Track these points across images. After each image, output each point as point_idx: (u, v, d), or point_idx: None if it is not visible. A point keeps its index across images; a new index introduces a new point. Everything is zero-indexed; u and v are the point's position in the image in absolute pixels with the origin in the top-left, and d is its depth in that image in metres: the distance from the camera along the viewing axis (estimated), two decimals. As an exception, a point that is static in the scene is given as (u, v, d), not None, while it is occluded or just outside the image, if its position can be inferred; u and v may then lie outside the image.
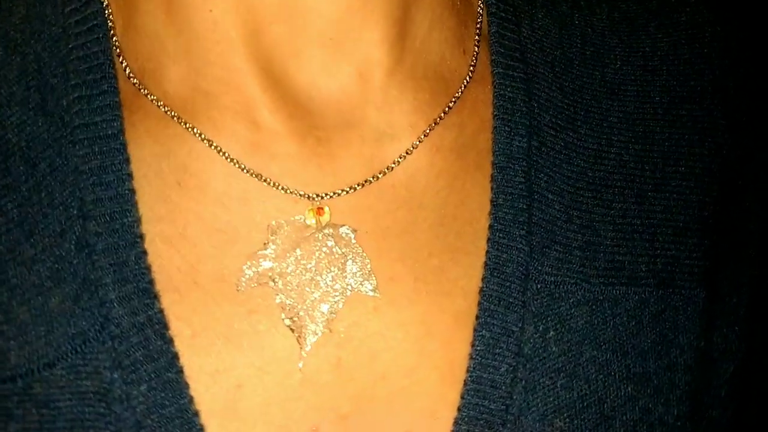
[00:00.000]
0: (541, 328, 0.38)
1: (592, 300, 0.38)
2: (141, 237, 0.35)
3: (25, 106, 0.36)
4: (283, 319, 0.35)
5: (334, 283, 0.36)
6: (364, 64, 0.37)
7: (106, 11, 0.37)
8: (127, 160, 0.35)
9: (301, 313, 0.36)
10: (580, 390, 0.38)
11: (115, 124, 0.36)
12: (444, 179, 0.39)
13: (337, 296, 0.36)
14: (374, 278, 0.36)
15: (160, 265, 0.35)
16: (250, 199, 0.36)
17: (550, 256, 0.38)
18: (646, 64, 0.42)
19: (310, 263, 0.37)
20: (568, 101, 0.41)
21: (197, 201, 0.36)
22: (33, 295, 0.34)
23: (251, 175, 0.36)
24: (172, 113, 0.37)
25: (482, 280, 0.38)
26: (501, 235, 0.38)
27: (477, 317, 0.37)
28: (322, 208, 0.37)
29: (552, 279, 0.38)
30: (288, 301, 0.36)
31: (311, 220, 0.36)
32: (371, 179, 0.37)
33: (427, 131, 0.39)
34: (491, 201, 0.39)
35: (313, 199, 0.37)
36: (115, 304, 0.34)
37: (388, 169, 0.38)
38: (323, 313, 0.36)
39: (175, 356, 0.34)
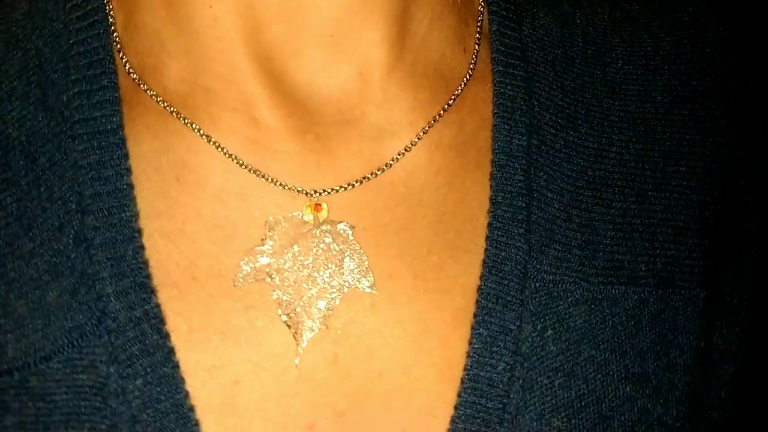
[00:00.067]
0: (539, 327, 0.37)
1: (591, 299, 0.38)
2: (139, 232, 0.35)
3: (26, 101, 0.36)
4: (279, 315, 0.35)
5: (331, 279, 0.36)
6: (364, 62, 0.37)
7: (107, 7, 0.38)
8: (126, 156, 0.36)
9: (298, 310, 0.36)
10: (578, 389, 0.37)
11: (115, 119, 0.36)
12: (443, 177, 0.39)
13: (334, 293, 0.36)
14: (371, 275, 0.36)
15: (158, 260, 0.35)
16: (248, 195, 0.36)
17: (548, 254, 0.38)
18: (648, 64, 0.42)
19: (308, 259, 0.37)
20: (569, 100, 0.41)
21: (196, 196, 0.36)
22: (31, 288, 0.34)
23: (249, 171, 0.36)
24: (172, 109, 0.37)
25: (480, 278, 0.37)
26: (500, 233, 0.38)
27: (475, 315, 0.37)
28: (319, 205, 0.37)
29: (551, 278, 0.38)
30: (285, 298, 0.36)
31: (309, 217, 0.37)
32: (369, 176, 0.37)
33: (427, 128, 0.39)
34: (490, 199, 0.38)
35: (311, 195, 0.37)
36: (112, 299, 0.34)
37: (386, 165, 0.38)
38: (320, 309, 0.36)
39: (172, 351, 0.34)
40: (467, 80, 0.40)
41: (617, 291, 0.39)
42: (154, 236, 0.35)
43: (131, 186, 0.35)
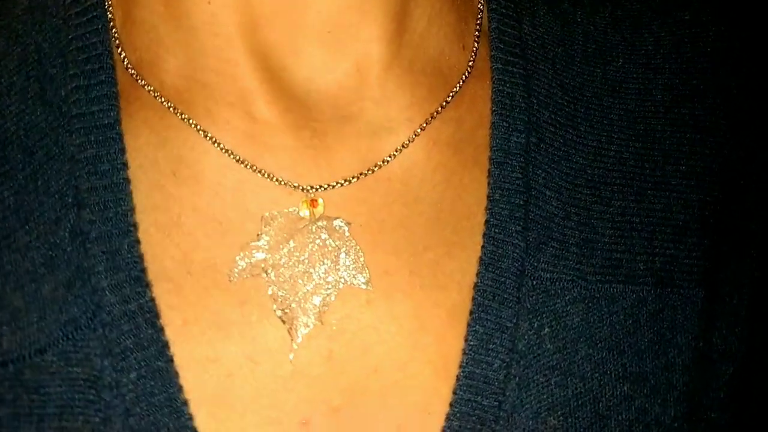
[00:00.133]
0: (535, 325, 0.37)
1: (589, 297, 0.38)
2: (134, 226, 0.35)
3: (25, 95, 0.37)
4: (274, 311, 0.35)
5: (327, 275, 0.36)
6: (362, 59, 0.37)
7: (106, 4, 0.38)
8: (123, 150, 0.36)
9: (293, 305, 0.36)
10: (575, 388, 0.37)
11: (112, 114, 0.36)
12: (441, 174, 0.39)
13: (329, 289, 0.36)
14: (367, 271, 0.36)
15: (154, 255, 0.35)
16: (244, 190, 0.36)
17: (546, 252, 0.38)
18: (649, 62, 0.42)
19: (303, 255, 0.37)
20: (569, 98, 0.41)
21: (192, 191, 0.36)
22: (26, 281, 0.34)
23: (246, 166, 0.37)
24: (169, 104, 0.37)
25: (477, 274, 0.37)
26: (497, 230, 0.38)
27: (471, 312, 0.37)
28: (315, 200, 0.37)
29: (548, 276, 0.38)
30: (280, 293, 0.36)
31: (305, 212, 0.37)
32: (366, 172, 0.38)
33: (424, 125, 0.39)
34: (488, 196, 0.38)
35: (308, 191, 0.37)
36: (107, 292, 0.34)
37: (383, 162, 0.38)
38: (315, 305, 0.36)
39: (166, 345, 0.34)
40: (466, 77, 0.40)
41: (615, 290, 0.38)
42: (150, 230, 0.36)
43: (128, 180, 0.35)
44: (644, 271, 0.39)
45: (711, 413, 0.39)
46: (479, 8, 0.42)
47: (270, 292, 0.36)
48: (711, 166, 0.40)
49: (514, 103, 0.40)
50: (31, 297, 0.34)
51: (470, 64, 0.41)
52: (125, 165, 0.36)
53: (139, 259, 0.35)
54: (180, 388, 0.34)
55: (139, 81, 0.37)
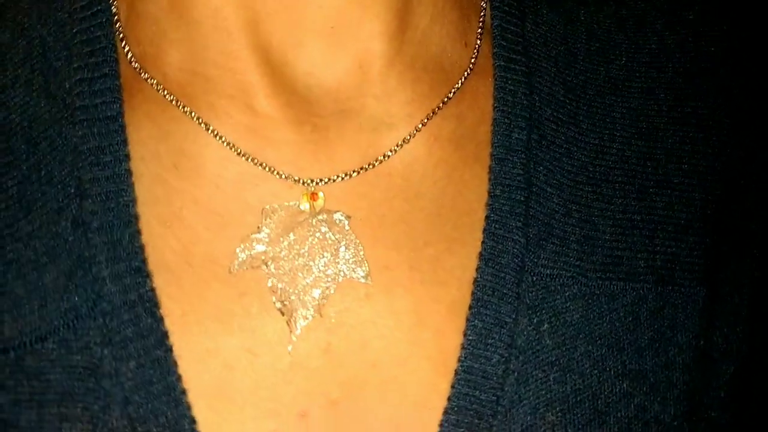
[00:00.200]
0: (535, 321, 0.37)
1: (589, 294, 0.38)
2: (135, 217, 0.35)
3: (29, 87, 0.37)
4: (274, 303, 0.36)
5: (326, 268, 0.36)
6: (364, 54, 0.38)
7: None
8: (125, 142, 0.36)
9: (293, 298, 0.36)
10: (574, 384, 0.37)
11: (115, 106, 0.36)
12: (442, 169, 0.39)
13: (328, 282, 0.36)
14: (366, 265, 0.36)
15: (155, 246, 0.36)
16: (244, 183, 0.37)
17: (546, 248, 0.38)
18: (652, 61, 0.42)
19: (303, 248, 0.37)
20: (571, 96, 0.41)
21: (193, 183, 0.36)
22: (28, 270, 0.35)
23: (247, 159, 0.37)
24: (171, 97, 0.37)
25: (477, 270, 0.37)
26: (497, 226, 0.38)
27: (470, 307, 0.37)
28: (316, 194, 0.37)
29: (548, 272, 0.38)
30: (280, 285, 0.36)
31: (305, 206, 0.37)
32: (367, 167, 0.38)
33: (425, 121, 0.39)
34: (488, 192, 0.38)
35: (308, 184, 0.37)
36: (107, 282, 0.35)
37: (384, 157, 0.38)
38: (314, 298, 0.36)
39: (165, 335, 0.34)
40: (468, 74, 0.40)
41: (615, 287, 0.38)
42: (151, 222, 0.36)
43: (129, 172, 0.36)
44: (645, 269, 0.39)
45: (711, 412, 0.39)
46: (482, 6, 0.42)
47: (270, 284, 0.36)
48: (713, 165, 0.40)
49: (515, 100, 0.40)
50: (32, 285, 0.35)
51: (472, 61, 0.41)
52: (127, 157, 0.36)
53: (140, 249, 0.35)
54: (179, 378, 0.34)
55: (142, 74, 0.38)
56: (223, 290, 0.36)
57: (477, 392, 0.36)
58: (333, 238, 0.37)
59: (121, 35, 0.38)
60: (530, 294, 0.38)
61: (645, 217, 0.39)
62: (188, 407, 0.34)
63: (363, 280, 0.36)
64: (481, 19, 0.42)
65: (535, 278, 0.38)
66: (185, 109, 0.37)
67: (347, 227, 0.37)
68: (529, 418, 0.36)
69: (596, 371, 0.37)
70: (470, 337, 0.36)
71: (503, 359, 0.37)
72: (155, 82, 0.38)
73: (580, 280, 0.38)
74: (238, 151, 0.37)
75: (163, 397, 0.34)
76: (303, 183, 0.37)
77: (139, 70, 0.38)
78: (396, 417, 0.36)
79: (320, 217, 0.37)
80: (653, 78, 0.41)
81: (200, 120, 0.37)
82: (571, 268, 0.38)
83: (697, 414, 0.39)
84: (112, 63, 0.37)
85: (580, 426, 0.37)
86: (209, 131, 0.37)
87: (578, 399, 0.37)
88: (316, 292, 0.36)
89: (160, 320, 0.34)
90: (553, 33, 0.42)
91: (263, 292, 0.36)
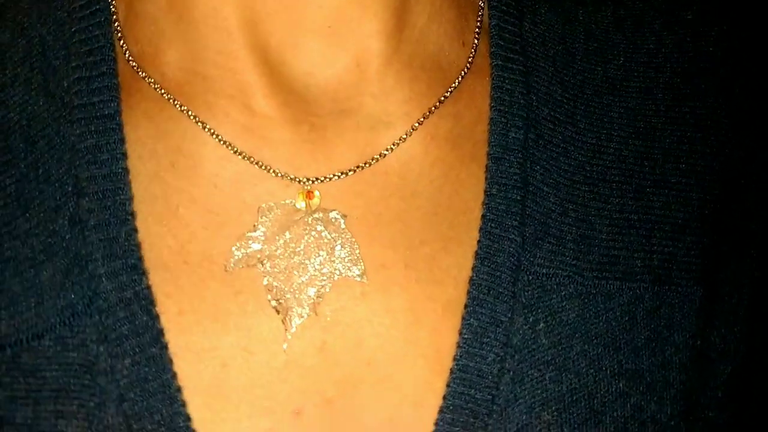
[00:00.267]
0: (531, 320, 0.37)
1: (585, 293, 0.38)
2: (132, 215, 0.36)
3: (28, 86, 0.37)
4: (269, 301, 0.36)
5: (322, 267, 0.37)
6: (362, 54, 0.38)
7: None
8: (122, 140, 0.36)
9: (288, 296, 0.36)
10: (570, 383, 0.37)
11: (113, 104, 0.37)
12: (438, 168, 0.39)
13: (324, 280, 0.36)
14: (362, 263, 0.36)
15: (151, 244, 0.36)
16: (241, 182, 0.37)
17: (542, 248, 0.38)
18: (650, 61, 0.42)
19: (299, 246, 0.37)
20: (569, 95, 0.41)
21: (190, 182, 0.37)
22: (26, 267, 0.35)
23: (244, 158, 0.37)
24: (169, 96, 0.38)
25: (472, 269, 0.37)
26: (493, 225, 0.38)
27: (466, 306, 0.37)
28: (312, 192, 0.37)
29: (544, 271, 0.38)
30: (275, 284, 0.36)
31: (301, 204, 0.37)
32: (363, 165, 0.38)
33: (422, 120, 0.39)
34: (485, 191, 0.38)
35: (304, 183, 0.37)
36: (103, 279, 0.35)
37: (380, 155, 0.38)
38: (310, 296, 0.36)
39: (160, 332, 0.35)
40: (465, 73, 0.40)
41: (612, 286, 0.38)
42: (148, 220, 0.36)
43: (126, 170, 0.36)
44: (642, 269, 0.39)
45: (708, 412, 0.39)
46: (480, 5, 0.42)
47: (265, 282, 0.36)
48: (711, 165, 0.40)
49: (513, 99, 0.40)
50: (29, 283, 0.35)
51: (470, 60, 0.41)
52: (124, 155, 0.36)
53: (136, 247, 0.35)
54: (174, 375, 0.34)
55: (140, 73, 0.38)
56: (220, 288, 0.36)
57: (472, 391, 0.36)
58: (329, 236, 0.37)
59: (120, 34, 0.39)
60: (526, 293, 0.38)
61: (642, 216, 0.39)
62: (183, 405, 0.34)
63: (358, 279, 0.36)
64: (479, 19, 0.42)
65: (531, 277, 0.38)
66: (183, 108, 0.37)
67: (343, 226, 0.37)
68: (524, 417, 0.36)
69: (592, 370, 0.37)
70: (466, 336, 0.36)
71: (499, 358, 0.37)
72: (153, 81, 0.38)
73: (576, 280, 0.38)
74: (236, 150, 0.37)
75: (158, 395, 0.34)
76: (299, 182, 0.37)
77: (138, 69, 0.38)
78: (391, 415, 0.36)
79: (316, 215, 0.37)
80: (651, 78, 0.41)
81: (198, 119, 0.37)
82: (567, 268, 0.38)
83: (694, 414, 0.39)
84: (110, 62, 0.37)
85: (575, 425, 0.37)
86: (207, 130, 0.37)
87: (574, 398, 0.37)
88: (312, 291, 0.36)
89: (155, 318, 0.35)
90: (551, 33, 0.42)
91: (259, 291, 0.36)
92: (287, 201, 0.37)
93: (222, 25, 0.36)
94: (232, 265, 0.36)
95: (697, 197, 0.40)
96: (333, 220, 0.37)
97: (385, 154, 0.38)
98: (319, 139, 0.38)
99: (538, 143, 0.39)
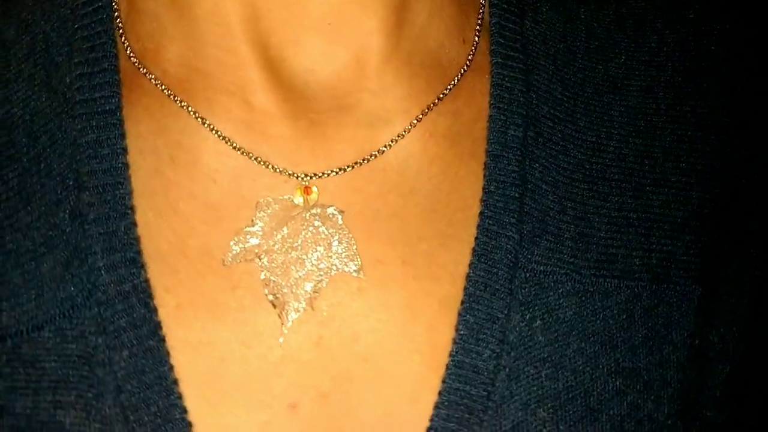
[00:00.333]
0: (527, 317, 0.37)
1: (582, 291, 0.38)
2: (132, 209, 0.36)
3: (32, 82, 0.38)
4: (266, 295, 0.36)
5: (319, 262, 0.37)
6: (361, 50, 0.38)
7: None
8: (123, 135, 0.37)
9: (285, 290, 0.36)
10: (566, 381, 0.37)
11: (114, 100, 0.37)
12: (437, 165, 0.39)
13: (321, 275, 0.37)
14: (359, 259, 0.37)
15: (150, 238, 0.36)
16: (240, 177, 0.37)
17: (540, 245, 0.38)
18: (652, 60, 0.42)
19: (297, 242, 0.37)
20: (569, 93, 0.41)
21: (189, 177, 0.37)
22: (27, 260, 0.36)
23: (242, 153, 0.37)
24: (169, 92, 0.38)
25: (469, 265, 0.38)
26: (491, 222, 0.38)
27: (462, 302, 0.37)
28: (309, 188, 0.37)
29: (541, 268, 0.38)
30: (273, 278, 0.36)
31: (299, 200, 0.37)
32: (361, 161, 0.38)
33: (420, 116, 0.39)
34: (483, 188, 0.39)
35: (303, 179, 0.37)
36: (102, 272, 0.35)
37: (379, 152, 0.38)
38: (306, 291, 0.36)
39: (158, 325, 0.35)
40: (464, 71, 0.41)
41: (610, 284, 0.38)
42: (148, 214, 0.36)
43: (127, 165, 0.37)
44: (640, 267, 0.39)
45: (706, 412, 0.39)
46: (481, 3, 0.43)
47: (263, 277, 0.36)
48: (712, 164, 0.40)
49: (512, 97, 0.40)
50: (30, 275, 0.35)
51: (470, 57, 0.41)
52: (125, 150, 0.37)
53: (135, 241, 0.36)
54: (171, 368, 0.35)
55: (141, 69, 0.38)
56: (217, 282, 0.36)
57: (468, 387, 0.36)
58: (326, 232, 0.37)
59: (122, 31, 0.39)
60: (523, 290, 0.38)
61: (641, 214, 0.39)
62: (179, 396, 0.35)
63: (355, 274, 0.37)
64: (480, 16, 0.42)
65: (528, 274, 0.38)
66: (183, 104, 0.38)
67: (340, 221, 0.37)
68: (520, 414, 0.36)
69: (589, 368, 0.37)
70: (462, 332, 0.37)
71: (494, 354, 0.37)
72: (154, 77, 0.38)
73: (573, 277, 0.38)
74: (235, 145, 0.37)
75: (155, 387, 0.35)
76: (298, 177, 0.37)
77: (139, 65, 0.39)
78: (387, 410, 0.36)
79: (314, 211, 0.37)
80: (652, 76, 0.41)
81: (198, 115, 0.38)
82: (564, 265, 0.38)
83: (691, 413, 0.39)
84: (111, 58, 0.38)
85: (571, 423, 0.37)
86: (206, 126, 0.37)
87: (570, 396, 0.37)
88: (309, 286, 0.36)
89: (153, 310, 0.35)
90: (552, 31, 0.42)
91: (256, 285, 0.36)
92: (285, 196, 0.37)
93: (223, 21, 0.37)
94: (230, 259, 0.36)
95: (696, 196, 0.40)
96: (330, 215, 0.37)
97: (384, 151, 0.38)
98: (318, 135, 0.38)
99: (538, 141, 0.40)
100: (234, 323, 0.36)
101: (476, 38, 0.42)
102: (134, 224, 0.36)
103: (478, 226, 0.38)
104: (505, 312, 0.37)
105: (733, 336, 0.39)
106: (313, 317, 0.36)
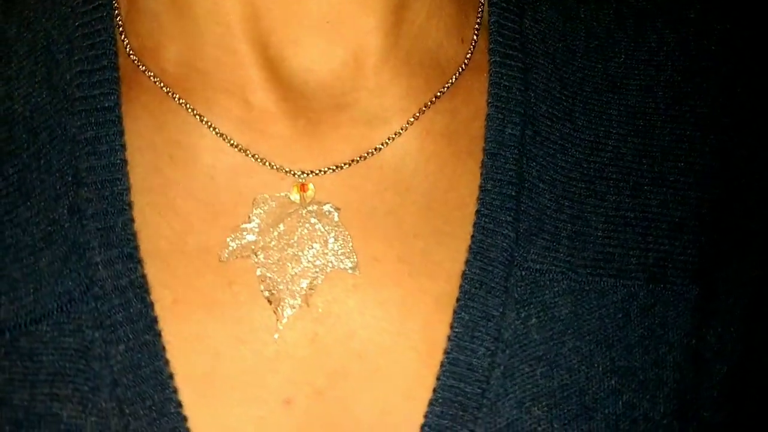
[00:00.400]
0: (523, 315, 0.37)
1: (578, 290, 0.38)
2: (129, 205, 0.36)
3: (33, 79, 0.38)
4: (262, 291, 0.36)
5: (315, 259, 0.37)
6: (359, 49, 0.38)
7: None
8: (121, 132, 0.37)
9: (281, 287, 0.36)
10: (561, 379, 0.37)
11: (113, 97, 0.38)
12: (434, 164, 0.39)
13: (317, 272, 0.37)
14: (355, 256, 0.37)
15: (148, 234, 0.37)
16: (237, 174, 0.38)
17: (536, 244, 0.38)
18: (651, 59, 0.42)
19: (293, 239, 0.37)
20: (568, 93, 0.41)
21: (187, 174, 0.37)
22: (25, 254, 0.36)
23: (240, 150, 0.38)
24: (168, 90, 0.38)
25: (465, 263, 0.38)
26: (487, 220, 0.38)
27: (457, 299, 0.37)
28: (306, 185, 0.37)
29: (537, 267, 0.38)
30: (269, 275, 0.37)
31: (296, 197, 0.37)
32: (358, 159, 0.38)
33: (418, 115, 0.39)
34: (480, 186, 0.39)
35: (300, 176, 0.38)
36: (100, 267, 0.36)
37: (376, 150, 0.38)
38: (302, 288, 0.36)
39: (154, 320, 0.35)
40: (463, 69, 0.41)
41: (606, 283, 0.38)
42: (145, 210, 0.37)
43: (125, 161, 0.37)
44: (636, 266, 0.39)
45: (703, 412, 0.39)
46: (480, 2, 0.43)
47: (258, 273, 0.37)
48: (711, 164, 0.40)
49: (510, 95, 0.40)
50: (29, 269, 0.36)
51: (468, 56, 0.41)
52: (123, 147, 0.37)
53: (133, 236, 0.36)
54: (166, 362, 0.35)
55: (141, 67, 0.39)
56: (214, 278, 0.36)
57: (462, 384, 0.36)
58: (322, 229, 0.37)
59: (122, 29, 0.39)
60: (519, 288, 0.38)
61: (638, 214, 0.39)
62: (174, 391, 0.35)
63: (351, 271, 0.37)
64: (479, 15, 0.42)
65: (524, 273, 0.38)
66: (182, 101, 0.38)
67: (336, 219, 0.37)
68: (514, 411, 0.37)
69: (584, 367, 0.37)
70: (457, 330, 0.37)
71: (489, 352, 0.37)
72: (153, 74, 0.39)
73: (569, 276, 0.38)
74: (233, 143, 0.38)
75: (151, 381, 0.35)
76: (295, 174, 0.38)
77: (138, 63, 0.39)
78: (381, 407, 0.36)
79: (310, 208, 0.37)
80: (652, 76, 0.41)
81: (196, 112, 0.38)
82: (561, 264, 0.38)
83: (688, 413, 0.38)
84: (111, 56, 0.38)
85: (566, 421, 0.37)
86: (205, 123, 0.38)
87: (565, 394, 0.37)
88: (304, 282, 0.37)
89: (149, 305, 0.35)
90: (551, 30, 0.42)
91: (252, 281, 0.37)
92: (282, 193, 0.37)
93: (223, 21, 0.37)
94: (226, 255, 0.37)
95: (695, 196, 0.40)
96: (327, 213, 0.37)
97: (381, 149, 0.39)
98: (316, 132, 0.38)
99: (535, 140, 0.40)
100: (230, 319, 0.36)
101: (475, 37, 0.42)
102: (132, 220, 0.36)
103: (475, 224, 0.38)
104: (501, 310, 0.37)
105: (730, 336, 0.39)
106: (309, 314, 0.36)
